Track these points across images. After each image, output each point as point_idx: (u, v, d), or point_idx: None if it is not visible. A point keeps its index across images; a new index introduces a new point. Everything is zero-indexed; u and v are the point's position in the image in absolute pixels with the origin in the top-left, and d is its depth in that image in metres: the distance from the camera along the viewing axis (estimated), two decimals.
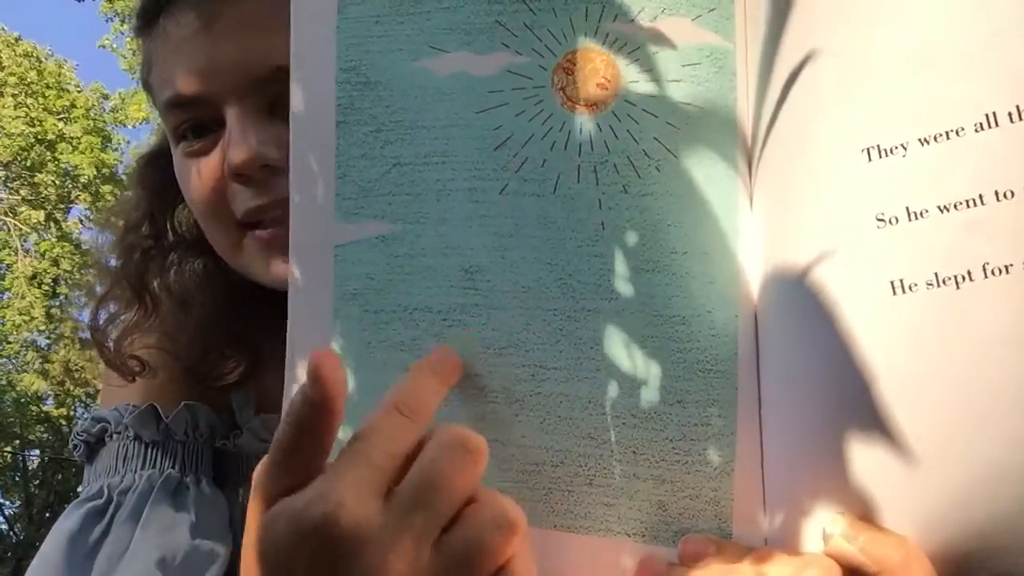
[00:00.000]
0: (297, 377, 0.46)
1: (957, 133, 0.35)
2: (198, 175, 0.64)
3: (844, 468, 0.38)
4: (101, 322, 0.74)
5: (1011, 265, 0.34)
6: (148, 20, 0.67)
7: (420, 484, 0.36)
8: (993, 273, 0.34)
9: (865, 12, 0.38)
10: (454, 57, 0.45)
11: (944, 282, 0.35)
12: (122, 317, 0.74)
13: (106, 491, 0.66)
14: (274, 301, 0.51)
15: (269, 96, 0.60)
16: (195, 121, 0.64)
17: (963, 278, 0.35)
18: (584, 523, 0.43)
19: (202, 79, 0.61)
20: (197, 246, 0.74)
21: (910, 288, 0.36)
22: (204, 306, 0.72)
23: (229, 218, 0.64)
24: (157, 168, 0.76)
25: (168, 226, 0.76)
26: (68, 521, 0.64)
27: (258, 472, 0.39)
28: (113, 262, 0.77)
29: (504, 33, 0.44)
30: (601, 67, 0.43)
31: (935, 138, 0.35)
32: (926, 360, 0.36)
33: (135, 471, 0.67)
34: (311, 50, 0.47)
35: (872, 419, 0.37)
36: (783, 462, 0.41)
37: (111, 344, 0.72)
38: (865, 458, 0.37)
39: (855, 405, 0.37)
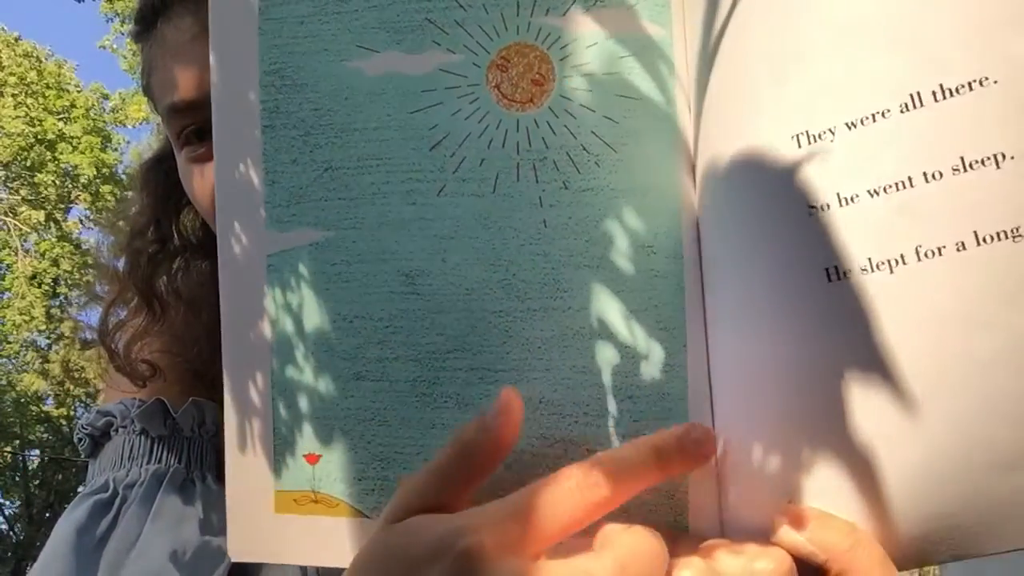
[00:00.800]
0: (236, 396, 0.46)
1: (883, 115, 0.35)
2: (202, 180, 0.64)
3: (794, 458, 0.38)
4: (110, 328, 0.74)
5: (944, 247, 0.34)
6: (146, 25, 0.67)
7: None
8: (927, 256, 0.34)
9: None
10: (384, 57, 0.44)
11: (878, 267, 0.35)
12: (131, 323, 0.74)
13: (111, 485, 0.66)
14: None
15: None
16: (197, 125, 0.63)
17: (896, 262, 0.35)
18: None
19: (202, 83, 0.61)
20: (203, 248, 0.74)
21: (844, 275, 0.36)
22: (211, 308, 0.71)
23: None
24: (160, 172, 0.75)
25: (174, 230, 0.76)
26: (75, 513, 0.64)
27: (410, 480, 0.39)
28: (119, 267, 0.77)
29: (435, 31, 0.44)
30: (535, 63, 0.43)
31: (862, 121, 0.35)
32: (865, 346, 0.35)
33: (141, 465, 0.67)
34: (232, 53, 0.46)
35: (819, 407, 0.37)
36: (736, 454, 0.41)
37: (121, 350, 0.72)
38: (814, 446, 0.37)
39: (802, 393, 0.37)
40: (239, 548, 0.47)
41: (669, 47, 0.43)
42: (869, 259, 0.35)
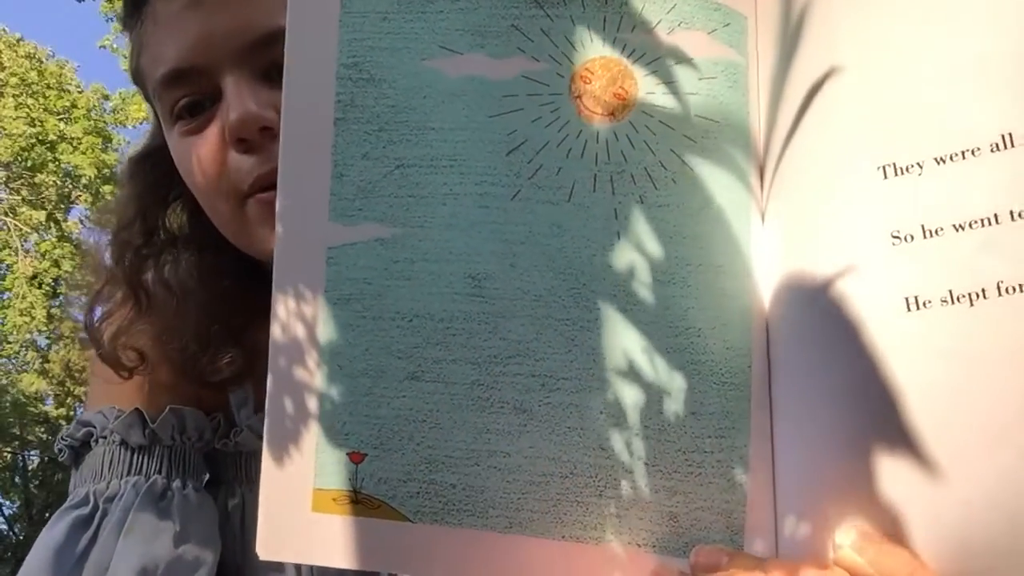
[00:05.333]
0: (279, 388, 0.45)
1: (973, 153, 0.35)
2: (197, 151, 0.63)
3: (857, 481, 0.38)
4: (96, 319, 0.73)
5: None
6: (136, 7, 0.66)
7: None
8: (1007, 291, 0.34)
9: (883, 29, 0.39)
10: (467, 59, 0.44)
11: (958, 299, 0.35)
12: (117, 314, 0.73)
13: (92, 498, 0.65)
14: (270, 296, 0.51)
15: (265, 61, 0.59)
16: (191, 96, 0.63)
17: (977, 296, 0.35)
18: (594, 534, 0.42)
19: (196, 50, 0.61)
20: (192, 242, 0.74)
21: (924, 304, 0.36)
22: (200, 301, 0.71)
23: (230, 192, 0.63)
24: (148, 165, 0.75)
25: (160, 223, 0.75)
26: (53, 531, 0.63)
27: None
28: (107, 259, 0.76)
29: (520, 38, 0.44)
30: (619, 77, 0.43)
31: (951, 157, 0.36)
32: (941, 375, 0.36)
33: (121, 477, 0.66)
34: (309, 44, 0.46)
35: (887, 433, 0.37)
36: (795, 474, 0.41)
37: (106, 341, 0.71)
38: (878, 472, 0.37)
39: (869, 419, 0.38)
40: (269, 546, 0.45)
41: (744, 71, 0.44)
42: (950, 291, 0.35)
